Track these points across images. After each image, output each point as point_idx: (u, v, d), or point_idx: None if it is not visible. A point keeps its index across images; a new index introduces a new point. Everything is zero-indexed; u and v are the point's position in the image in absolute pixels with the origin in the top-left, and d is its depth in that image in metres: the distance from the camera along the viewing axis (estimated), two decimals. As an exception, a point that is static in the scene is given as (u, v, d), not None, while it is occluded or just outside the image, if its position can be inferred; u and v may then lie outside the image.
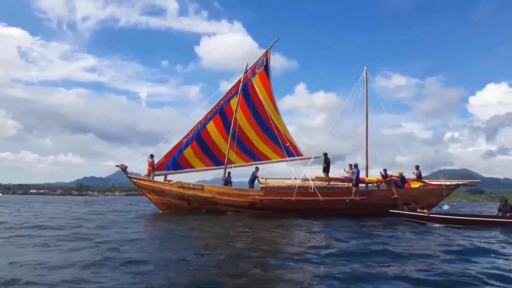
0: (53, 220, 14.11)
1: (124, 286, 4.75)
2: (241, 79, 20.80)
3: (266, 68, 21.73)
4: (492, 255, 7.35)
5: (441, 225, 13.36)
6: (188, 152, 20.44)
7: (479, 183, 24.77)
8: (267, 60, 21.74)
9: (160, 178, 19.77)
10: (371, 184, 19.75)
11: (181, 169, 20.51)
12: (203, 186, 18.62)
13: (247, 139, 21.16)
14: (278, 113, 22.13)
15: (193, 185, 18.75)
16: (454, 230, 12.10)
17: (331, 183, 19.19)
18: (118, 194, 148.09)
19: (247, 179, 19.51)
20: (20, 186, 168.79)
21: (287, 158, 20.47)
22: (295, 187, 17.67)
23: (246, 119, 21.01)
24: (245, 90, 20.87)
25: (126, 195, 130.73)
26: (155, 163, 19.76)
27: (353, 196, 17.71)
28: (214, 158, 20.95)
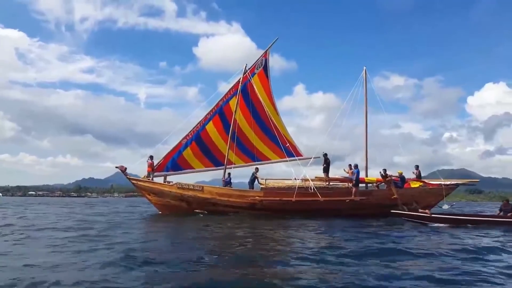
0: (59, 222, 14.08)
1: (145, 286, 4.77)
2: (240, 80, 20.77)
3: (265, 68, 21.70)
4: (503, 254, 7.46)
5: (443, 225, 13.33)
6: (188, 153, 20.40)
7: (477, 183, 24.80)
8: (266, 60, 21.72)
9: (159, 179, 19.74)
10: (370, 184, 19.76)
11: (181, 170, 20.46)
12: (203, 187, 18.58)
13: (246, 139, 21.12)
14: (278, 113, 22.10)
15: (193, 186, 18.71)
16: (458, 229, 12.12)
17: (331, 183, 19.19)
18: (117, 195, 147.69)
19: (246, 180, 19.51)
20: (19, 188, 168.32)
21: (287, 159, 20.42)
22: (295, 187, 17.65)
23: (245, 120, 20.98)
24: (244, 90, 20.83)
25: (125, 197, 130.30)
26: (154, 164, 19.73)
27: (353, 196, 17.70)
28: (213, 158, 20.91)
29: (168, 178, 19.81)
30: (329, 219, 15.52)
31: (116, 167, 19.24)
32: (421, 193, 18.43)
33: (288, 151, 20.38)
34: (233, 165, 20.25)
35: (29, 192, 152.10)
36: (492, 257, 7.08)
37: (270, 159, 21.67)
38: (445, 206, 17.63)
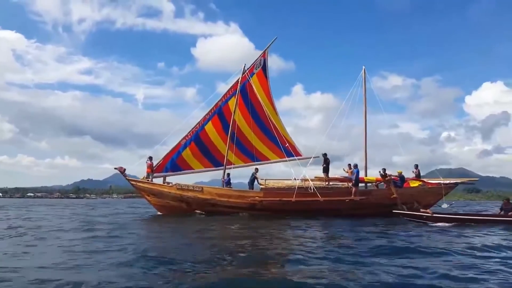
0: (65, 224, 14.03)
1: (168, 286, 4.78)
2: (239, 80, 20.75)
3: (264, 68, 21.68)
4: None
5: (445, 224, 13.25)
6: (187, 154, 20.36)
7: (475, 182, 24.88)
8: (264, 60, 21.70)
9: (159, 180, 19.71)
10: (370, 184, 19.78)
11: (180, 170, 20.42)
12: (202, 188, 18.54)
13: (245, 139, 21.09)
14: (277, 113, 22.09)
15: (192, 187, 18.67)
16: (463, 228, 12.08)
17: (330, 183, 19.19)
18: (116, 196, 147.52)
19: (246, 180, 19.49)
20: (17, 189, 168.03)
21: (286, 158, 20.38)
22: (295, 187, 17.64)
23: (244, 120, 20.95)
24: (243, 90, 20.80)
25: (124, 197, 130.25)
26: (153, 165, 19.69)
27: (352, 196, 17.70)
28: (213, 159, 20.88)
29: (166, 179, 19.79)
30: (330, 219, 15.50)
31: (115, 168, 19.23)
32: (420, 193, 18.46)
33: (288, 151, 20.35)
34: (232, 166, 20.22)
35: (28, 194, 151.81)
36: (505, 254, 7.14)
37: (269, 159, 21.64)
38: (445, 205, 17.63)
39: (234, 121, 20.32)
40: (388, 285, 4.82)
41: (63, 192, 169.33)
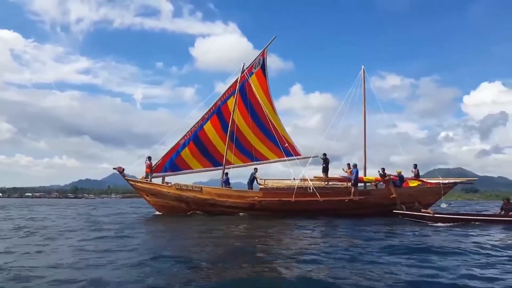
0: (70, 223, 13.98)
1: (176, 284, 4.78)
2: (238, 79, 20.69)
3: (263, 67, 21.62)
4: None
5: (446, 224, 13.19)
6: (186, 153, 20.29)
7: (474, 182, 24.89)
8: (263, 59, 21.64)
9: (158, 180, 19.65)
10: (369, 184, 19.77)
11: (179, 170, 20.35)
12: (201, 187, 18.48)
13: (245, 139, 21.02)
14: (276, 113, 22.04)
15: (192, 187, 18.61)
16: (466, 228, 12.04)
17: (330, 183, 19.16)
18: (114, 196, 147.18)
19: (245, 180, 19.46)
20: (15, 189, 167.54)
21: (286, 158, 20.31)
22: (294, 187, 17.61)
23: (243, 119, 20.88)
24: (242, 90, 20.71)
25: (122, 197, 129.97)
26: (152, 165, 19.62)
27: (352, 196, 17.69)
28: (212, 159, 20.81)
29: (165, 179, 19.71)
30: (331, 219, 15.46)
31: (114, 168, 19.18)
32: (419, 192, 18.46)
33: (287, 151, 20.28)
34: (231, 165, 20.16)
35: (26, 194, 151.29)
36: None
37: (268, 159, 21.59)
38: (444, 205, 17.66)
39: (233, 120, 20.26)
40: (412, 284, 4.80)
41: (61, 192, 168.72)
